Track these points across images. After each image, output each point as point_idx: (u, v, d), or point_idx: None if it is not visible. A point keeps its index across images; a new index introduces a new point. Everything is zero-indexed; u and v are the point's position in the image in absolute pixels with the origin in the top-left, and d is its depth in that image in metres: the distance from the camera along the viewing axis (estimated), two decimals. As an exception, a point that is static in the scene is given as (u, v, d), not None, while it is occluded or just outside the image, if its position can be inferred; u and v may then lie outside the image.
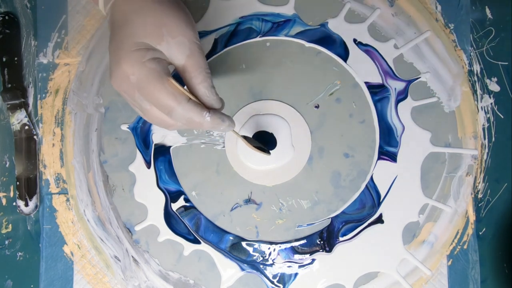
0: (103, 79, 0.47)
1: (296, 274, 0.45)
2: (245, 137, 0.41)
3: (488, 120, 0.46)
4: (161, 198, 0.46)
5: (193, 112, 0.32)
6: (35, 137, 0.47)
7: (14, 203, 0.47)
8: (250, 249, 0.45)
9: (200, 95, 0.33)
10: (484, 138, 0.46)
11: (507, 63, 0.46)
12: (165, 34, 0.32)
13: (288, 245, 0.45)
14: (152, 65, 0.31)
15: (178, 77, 0.34)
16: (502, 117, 0.46)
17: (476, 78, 0.46)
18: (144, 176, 0.46)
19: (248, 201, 0.45)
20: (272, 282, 0.45)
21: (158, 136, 0.46)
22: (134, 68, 0.31)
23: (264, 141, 0.45)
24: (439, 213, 0.45)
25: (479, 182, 0.45)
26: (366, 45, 0.46)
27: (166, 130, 0.46)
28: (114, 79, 0.32)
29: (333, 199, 0.45)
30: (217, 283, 0.45)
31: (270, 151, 0.44)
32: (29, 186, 0.46)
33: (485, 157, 0.45)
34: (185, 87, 0.34)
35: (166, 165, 0.46)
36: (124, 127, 0.47)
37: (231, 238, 0.45)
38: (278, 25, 0.47)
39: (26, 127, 0.47)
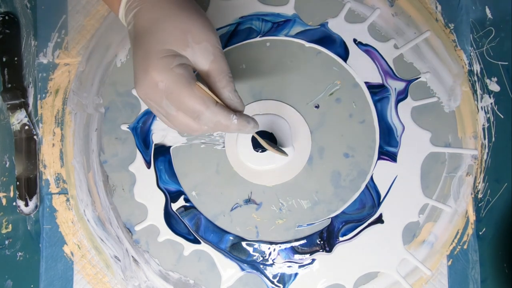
0: (103, 79, 0.47)
1: (296, 274, 0.45)
2: (263, 139, 0.41)
3: (488, 120, 0.46)
4: (161, 198, 0.46)
5: (221, 115, 0.33)
6: (35, 137, 0.47)
7: (14, 203, 0.47)
8: (250, 249, 0.45)
9: (225, 98, 0.34)
10: (484, 138, 0.46)
11: (507, 63, 0.46)
12: (190, 41, 0.32)
13: (288, 245, 0.45)
14: (180, 71, 0.32)
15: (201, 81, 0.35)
16: (502, 117, 0.46)
17: (476, 78, 0.46)
18: (144, 176, 0.46)
19: (248, 201, 0.45)
20: (272, 282, 0.45)
21: (158, 136, 0.46)
22: (163, 75, 0.32)
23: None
24: (439, 213, 0.45)
25: (479, 182, 0.45)
26: (366, 45, 0.46)
27: (166, 130, 0.46)
28: (140, 87, 0.33)
29: (333, 199, 0.45)
30: (217, 283, 0.45)
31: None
32: (29, 186, 0.46)
33: (485, 157, 0.45)
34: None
35: (166, 165, 0.46)
36: (124, 127, 0.47)
37: (231, 238, 0.45)
38: (278, 25, 0.47)
39: (26, 127, 0.47)
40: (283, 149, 0.44)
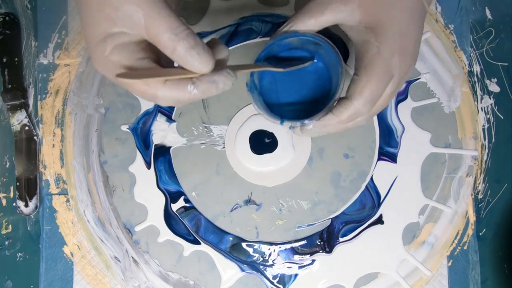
0: (103, 79, 0.47)
1: (296, 275, 0.45)
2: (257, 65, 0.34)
3: (488, 120, 0.46)
4: (161, 199, 0.46)
5: (176, 91, 0.27)
6: (35, 137, 0.47)
7: (14, 204, 0.47)
8: (250, 250, 0.45)
9: (180, 64, 0.27)
10: (484, 139, 0.46)
11: (507, 64, 0.46)
12: (110, 12, 0.26)
13: (288, 246, 0.45)
14: (116, 57, 0.27)
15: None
16: (502, 117, 0.46)
17: (476, 79, 0.46)
18: (144, 177, 0.46)
19: (248, 201, 0.45)
20: (272, 283, 0.45)
21: (158, 137, 0.46)
22: (103, 67, 0.28)
23: (264, 140, 0.45)
24: (439, 214, 0.45)
25: (479, 183, 0.45)
26: (366, 45, 0.46)
27: (166, 130, 0.46)
28: (95, 66, 0.29)
29: (333, 199, 0.45)
30: (217, 283, 0.45)
31: (271, 151, 0.44)
32: (29, 186, 0.46)
33: (485, 157, 0.45)
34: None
35: (166, 165, 0.46)
36: (124, 128, 0.47)
37: (231, 238, 0.45)
38: (279, 26, 0.47)
39: (26, 128, 0.47)
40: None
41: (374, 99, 0.31)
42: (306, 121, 0.32)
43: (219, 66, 0.29)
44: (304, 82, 0.35)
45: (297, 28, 0.32)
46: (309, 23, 0.32)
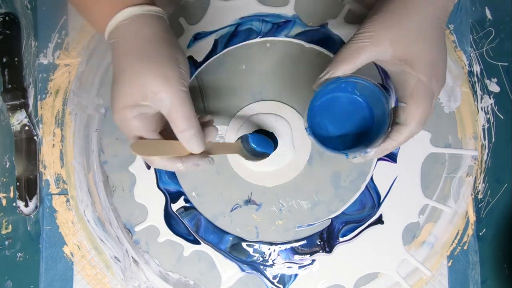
0: (103, 79, 0.47)
1: (296, 275, 0.45)
2: (243, 148, 0.42)
3: (488, 120, 0.46)
4: (161, 199, 0.46)
5: (168, 164, 0.36)
6: (35, 137, 0.47)
7: (14, 204, 0.47)
8: (250, 250, 0.45)
9: (181, 142, 0.36)
10: (484, 139, 0.46)
11: (507, 64, 0.46)
12: (148, 92, 0.34)
13: (288, 246, 0.45)
14: (136, 123, 0.35)
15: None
16: (502, 117, 0.46)
17: (476, 79, 0.46)
18: (144, 177, 0.46)
19: (248, 201, 0.45)
20: (272, 283, 0.45)
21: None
22: (122, 124, 0.35)
23: (263, 140, 0.45)
24: (439, 214, 0.45)
25: (479, 183, 0.45)
26: (366, 45, 0.46)
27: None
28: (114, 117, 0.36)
29: (333, 199, 0.45)
30: (217, 283, 0.45)
31: (271, 151, 0.44)
32: (29, 186, 0.46)
33: (485, 157, 0.45)
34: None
35: (166, 165, 0.46)
36: (124, 128, 0.47)
37: (231, 238, 0.45)
38: (278, 26, 0.47)
39: (26, 128, 0.47)
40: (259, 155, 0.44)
41: (426, 120, 0.36)
42: (368, 150, 0.38)
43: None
44: (347, 116, 0.41)
45: (336, 75, 0.36)
46: (347, 69, 0.36)
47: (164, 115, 0.35)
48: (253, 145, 0.43)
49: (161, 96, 0.34)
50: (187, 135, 0.35)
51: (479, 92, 0.46)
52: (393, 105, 0.45)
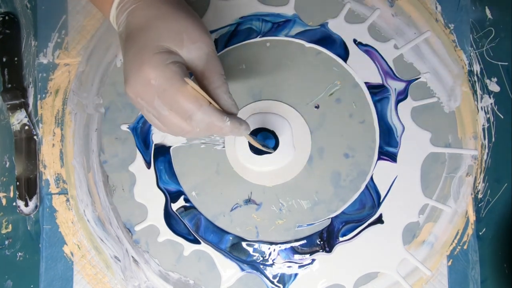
0: (103, 79, 0.47)
1: (296, 275, 0.45)
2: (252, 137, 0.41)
3: (488, 120, 0.46)
4: (161, 198, 0.46)
5: (214, 116, 0.32)
6: (35, 137, 0.47)
7: (14, 203, 0.47)
8: (250, 249, 0.45)
9: (219, 99, 0.33)
10: (484, 139, 0.46)
11: (507, 63, 0.46)
12: (185, 40, 0.32)
13: (288, 245, 0.45)
14: (175, 68, 0.31)
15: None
16: (502, 117, 0.46)
17: (476, 78, 0.46)
18: (144, 176, 0.46)
19: (248, 201, 0.45)
20: (272, 282, 0.45)
21: (158, 136, 0.46)
22: (157, 71, 0.31)
23: (263, 138, 0.45)
24: (439, 214, 0.45)
25: (479, 182, 0.45)
26: (366, 45, 0.46)
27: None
28: (131, 85, 0.32)
29: (333, 199, 0.45)
30: (217, 283, 0.45)
31: (272, 151, 0.44)
32: (29, 186, 0.46)
33: (485, 157, 0.45)
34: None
35: (166, 165, 0.46)
36: (124, 127, 0.47)
37: (231, 238, 0.45)
38: (278, 25, 0.47)
39: (26, 127, 0.47)
40: (269, 147, 0.44)
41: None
42: None
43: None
44: None
45: None
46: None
47: (194, 70, 0.33)
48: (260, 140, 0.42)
49: (200, 45, 0.32)
50: (223, 90, 0.33)
51: (479, 92, 0.46)
52: (393, 107, 0.45)
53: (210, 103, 0.32)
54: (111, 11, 0.35)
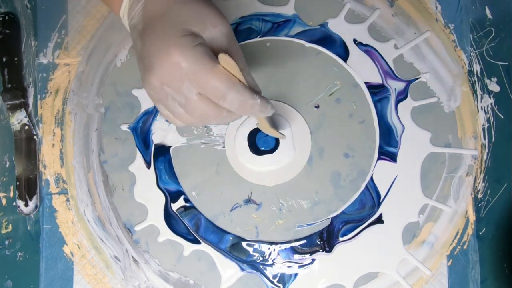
0: (103, 79, 0.47)
1: (296, 274, 0.45)
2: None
3: (488, 120, 0.46)
4: (161, 198, 0.46)
5: (246, 94, 0.32)
6: (35, 137, 0.47)
7: (14, 203, 0.47)
8: (250, 249, 0.45)
9: (245, 79, 0.33)
10: (484, 138, 0.46)
11: (507, 63, 0.46)
12: (207, 23, 0.32)
13: (288, 245, 0.45)
14: (203, 49, 0.31)
15: None
16: (502, 117, 0.46)
17: (476, 78, 0.46)
18: (144, 176, 0.46)
19: (248, 201, 0.45)
20: (272, 282, 0.45)
21: (158, 136, 0.46)
22: (186, 53, 0.30)
23: (263, 138, 0.45)
24: (439, 213, 0.45)
25: (479, 182, 0.45)
26: (366, 45, 0.46)
27: (166, 130, 0.46)
28: (157, 73, 0.31)
29: (333, 199, 0.45)
30: (217, 283, 0.45)
31: (272, 151, 0.44)
32: (29, 186, 0.46)
33: (485, 157, 0.45)
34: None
35: (166, 165, 0.46)
36: (124, 127, 0.47)
37: (231, 238, 0.45)
38: (278, 25, 0.47)
39: (26, 127, 0.47)
40: (281, 132, 0.44)
41: None
42: None
43: None
44: None
45: None
46: None
47: (216, 53, 0.32)
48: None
49: (221, 28, 0.32)
50: (246, 71, 0.33)
51: (479, 92, 0.46)
52: (393, 107, 0.45)
53: (240, 81, 0.32)
54: (123, 3, 0.35)
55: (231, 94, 0.31)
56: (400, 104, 0.45)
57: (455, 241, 0.45)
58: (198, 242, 0.45)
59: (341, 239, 0.45)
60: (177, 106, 0.33)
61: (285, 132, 0.45)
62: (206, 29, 0.32)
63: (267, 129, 0.41)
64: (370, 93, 0.46)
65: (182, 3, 0.32)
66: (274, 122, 0.44)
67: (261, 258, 0.45)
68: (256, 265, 0.45)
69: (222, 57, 0.31)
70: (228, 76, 0.31)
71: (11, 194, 0.47)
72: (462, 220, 0.45)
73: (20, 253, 0.47)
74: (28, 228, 0.47)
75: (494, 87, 0.46)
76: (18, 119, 0.47)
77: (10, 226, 0.47)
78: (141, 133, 0.47)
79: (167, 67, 0.31)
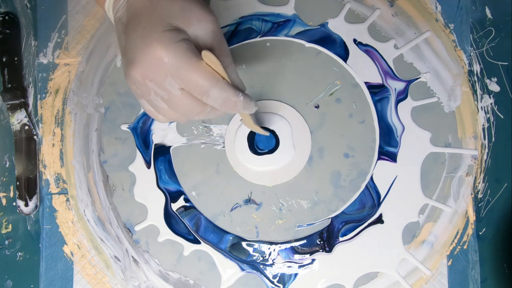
0: (103, 79, 0.47)
1: (296, 274, 0.45)
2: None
3: (488, 120, 0.46)
4: (161, 198, 0.46)
5: (229, 91, 0.32)
6: (35, 137, 0.47)
7: (14, 203, 0.47)
8: (250, 249, 0.45)
9: (229, 77, 0.33)
10: (484, 138, 0.46)
11: (507, 63, 0.46)
12: (192, 18, 0.31)
13: (288, 245, 0.45)
14: (186, 45, 0.30)
15: None
16: (502, 117, 0.46)
17: (476, 78, 0.46)
18: (144, 176, 0.46)
19: (248, 201, 0.45)
20: (272, 282, 0.45)
21: (158, 136, 0.46)
22: (169, 48, 0.30)
23: (263, 138, 0.45)
24: (439, 213, 0.45)
25: (479, 182, 0.45)
26: (366, 45, 0.46)
27: (166, 130, 0.46)
28: (139, 66, 0.31)
29: (333, 199, 0.45)
30: (217, 283, 0.45)
31: (272, 151, 0.44)
32: (29, 186, 0.46)
33: (485, 157, 0.45)
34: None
35: (166, 165, 0.46)
36: (124, 127, 0.47)
37: (231, 238, 0.45)
38: (278, 25, 0.47)
39: (26, 127, 0.47)
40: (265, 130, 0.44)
41: None
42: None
43: None
44: None
45: None
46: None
47: (201, 48, 0.32)
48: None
49: (207, 23, 0.32)
50: (232, 68, 0.33)
51: (479, 92, 0.46)
52: (393, 107, 0.45)
53: (224, 78, 0.32)
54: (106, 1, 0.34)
55: (214, 90, 0.31)
56: (400, 104, 0.45)
57: (455, 241, 0.45)
58: (198, 242, 0.45)
59: (341, 239, 0.45)
60: (159, 101, 0.33)
61: (285, 132, 0.45)
62: (191, 25, 0.31)
63: (251, 125, 0.41)
64: (370, 93, 0.46)
65: None
66: (258, 119, 0.44)
67: (261, 258, 0.45)
68: (256, 265, 0.45)
69: (205, 54, 0.30)
70: (211, 73, 0.31)
71: (11, 194, 0.47)
72: (462, 220, 0.45)
73: (20, 253, 0.47)
74: (28, 228, 0.47)
75: (494, 87, 0.46)
76: (18, 119, 0.47)
77: (10, 226, 0.47)
78: (141, 133, 0.47)
79: (150, 62, 0.30)
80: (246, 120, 0.40)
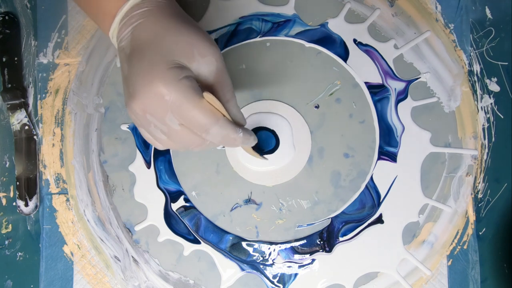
0: (103, 79, 0.47)
1: (296, 274, 0.45)
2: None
3: (488, 120, 0.46)
4: (161, 198, 0.46)
5: (229, 129, 0.32)
6: (35, 137, 0.47)
7: (14, 203, 0.47)
8: (250, 249, 0.45)
9: (229, 113, 0.34)
10: (484, 138, 0.46)
11: (507, 63, 0.46)
12: (195, 53, 0.32)
13: (288, 245, 0.45)
14: (188, 83, 0.31)
15: None
16: (502, 117, 0.46)
17: (476, 78, 0.46)
18: (144, 176, 0.46)
19: (248, 201, 0.45)
20: (272, 282, 0.45)
21: (158, 136, 0.46)
22: (171, 87, 0.30)
23: (263, 138, 0.45)
24: (439, 213, 0.45)
25: (479, 182, 0.45)
26: (366, 45, 0.46)
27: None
28: (140, 101, 0.31)
29: (333, 199, 0.45)
30: (217, 283, 0.45)
31: (272, 151, 0.44)
32: (29, 186, 0.46)
33: (485, 157, 0.45)
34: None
35: (166, 165, 0.46)
36: (124, 127, 0.47)
37: (231, 238, 0.45)
38: (278, 25, 0.47)
39: (26, 127, 0.47)
40: (265, 156, 0.45)
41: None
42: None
43: None
44: None
45: None
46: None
47: (203, 83, 0.32)
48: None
49: (210, 59, 0.32)
50: (233, 103, 0.33)
51: (479, 92, 0.46)
52: (393, 107, 0.45)
53: (224, 115, 0.32)
54: (112, 25, 0.34)
55: (214, 128, 0.32)
56: (400, 104, 0.45)
57: (455, 241, 0.45)
58: (198, 242, 0.45)
59: (341, 239, 0.45)
60: (159, 133, 0.33)
61: (285, 132, 0.45)
62: (194, 60, 0.32)
63: (250, 152, 0.41)
64: (370, 93, 0.46)
65: (172, 33, 0.32)
66: (258, 145, 0.44)
67: (261, 258, 0.45)
68: (256, 265, 0.45)
69: (206, 95, 0.31)
70: (212, 111, 0.31)
71: (11, 194, 0.47)
72: (462, 220, 0.45)
73: (20, 253, 0.47)
74: (28, 228, 0.47)
75: (494, 87, 0.46)
76: (18, 119, 0.47)
77: (10, 226, 0.47)
78: (141, 133, 0.47)
79: (151, 98, 0.31)
80: (245, 148, 0.40)
